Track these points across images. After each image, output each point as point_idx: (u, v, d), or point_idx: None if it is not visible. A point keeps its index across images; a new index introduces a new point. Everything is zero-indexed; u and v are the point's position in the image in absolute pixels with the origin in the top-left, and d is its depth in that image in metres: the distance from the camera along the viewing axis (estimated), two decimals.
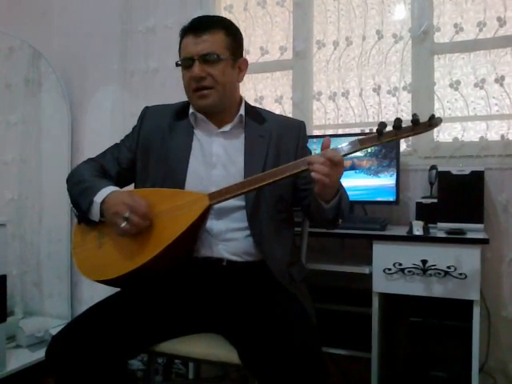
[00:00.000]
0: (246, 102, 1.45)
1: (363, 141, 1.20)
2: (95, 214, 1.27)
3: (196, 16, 1.39)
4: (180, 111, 1.44)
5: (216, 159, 1.37)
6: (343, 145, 1.20)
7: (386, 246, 1.70)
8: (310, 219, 1.52)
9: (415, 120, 1.17)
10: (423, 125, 1.19)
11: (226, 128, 1.39)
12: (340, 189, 1.27)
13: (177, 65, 1.37)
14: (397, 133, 1.19)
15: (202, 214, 1.24)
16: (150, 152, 1.41)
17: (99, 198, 1.26)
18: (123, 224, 1.20)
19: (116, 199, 1.25)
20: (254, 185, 1.23)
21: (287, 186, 1.39)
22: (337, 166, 1.16)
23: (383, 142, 1.20)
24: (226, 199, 1.24)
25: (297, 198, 1.43)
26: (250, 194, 1.31)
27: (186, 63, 1.33)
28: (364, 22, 2.19)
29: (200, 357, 1.27)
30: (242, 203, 1.33)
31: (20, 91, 2.61)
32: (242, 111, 1.41)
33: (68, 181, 1.40)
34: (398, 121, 1.17)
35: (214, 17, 1.42)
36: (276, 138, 1.41)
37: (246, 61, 1.42)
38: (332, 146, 1.20)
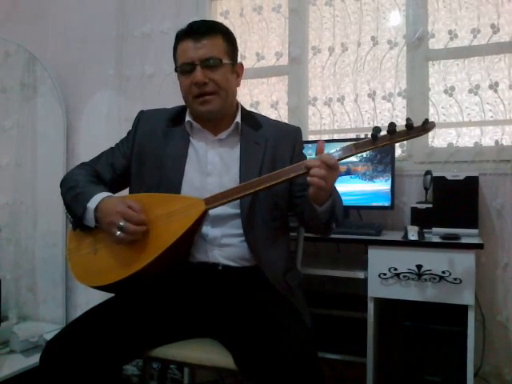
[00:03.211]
0: (242, 108, 1.45)
1: (358, 145, 1.21)
2: (90, 220, 1.27)
3: (192, 21, 1.39)
4: (176, 117, 1.43)
5: (211, 167, 1.37)
6: (338, 149, 1.21)
7: (382, 250, 1.71)
8: (303, 225, 1.51)
9: (409, 124, 1.18)
10: (417, 129, 1.20)
11: (222, 136, 1.39)
12: (333, 192, 1.26)
13: (178, 70, 1.34)
14: (391, 137, 1.19)
15: (198, 218, 1.23)
16: (145, 158, 1.41)
17: (93, 204, 1.26)
18: (118, 233, 1.19)
19: (109, 208, 1.23)
20: (249, 189, 1.22)
21: (283, 193, 1.39)
22: (332, 169, 1.16)
23: (378, 147, 1.21)
24: (223, 204, 1.24)
25: (292, 205, 1.43)
26: (244, 201, 1.31)
27: (185, 68, 1.31)
28: (359, 29, 2.20)
29: (195, 362, 1.26)
30: (237, 211, 1.33)
31: (15, 95, 2.60)
32: (238, 118, 1.40)
33: (61, 185, 1.39)
34: (392, 125, 1.18)
35: (210, 21, 1.41)
36: (272, 145, 1.40)
37: (242, 65, 1.42)
38: (327, 151, 1.20)
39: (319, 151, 1.19)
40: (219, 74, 1.31)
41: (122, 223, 1.19)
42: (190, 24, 1.35)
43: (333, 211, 1.26)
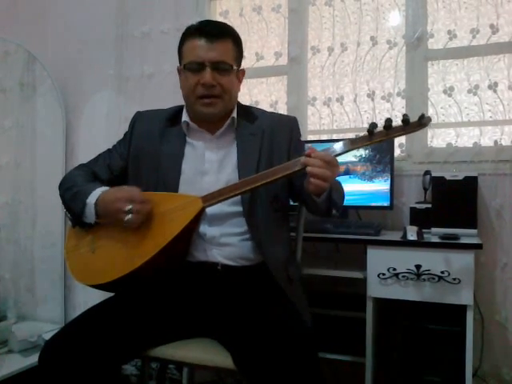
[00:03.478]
0: (238, 104, 1.45)
1: (354, 141, 1.21)
2: (90, 215, 1.27)
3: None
4: (172, 117, 1.44)
5: (208, 166, 1.37)
6: (334, 146, 1.21)
7: (381, 250, 1.71)
8: (308, 211, 1.51)
9: (405, 120, 1.18)
10: (413, 124, 1.20)
11: (219, 133, 1.39)
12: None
13: (184, 67, 1.34)
14: (387, 132, 1.19)
15: (195, 216, 1.24)
16: (142, 159, 1.41)
17: (92, 199, 1.27)
18: (129, 216, 1.20)
19: (110, 197, 1.25)
20: (246, 186, 1.23)
21: (282, 185, 1.39)
22: (331, 165, 1.16)
23: (374, 142, 1.21)
24: (220, 201, 1.24)
25: (295, 194, 1.44)
26: (245, 198, 1.32)
27: (194, 67, 1.31)
28: (359, 29, 2.20)
29: (194, 362, 1.26)
30: (239, 209, 1.33)
31: (15, 95, 2.60)
32: (234, 113, 1.41)
33: (60, 187, 1.40)
34: (388, 121, 1.18)
35: (222, 24, 1.41)
36: (268, 135, 1.41)
37: (244, 71, 1.43)
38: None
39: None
40: (226, 79, 1.32)
41: (130, 206, 1.20)
42: (201, 22, 1.36)
43: (331, 199, 1.26)
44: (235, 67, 1.34)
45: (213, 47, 1.30)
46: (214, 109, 1.33)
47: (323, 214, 1.34)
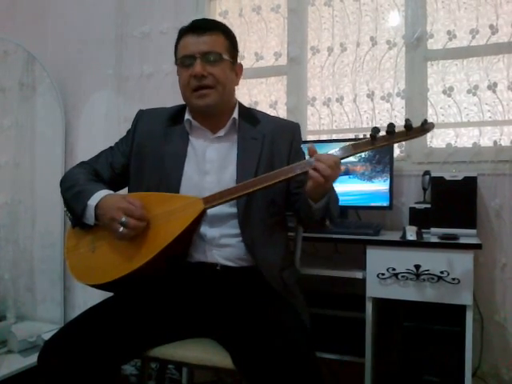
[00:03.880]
0: (240, 104, 1.45)
1: (357, 145, 1.21)
2: (90, 217, 1.27)
3: (195, 19, 1.40)
4: (175, 116, 1.44)
5: (210, 165, 1.37)
6: (336, 150, 1.21)
7: (380, 250, 1.71)
8: (300, 223, 1.51)
9: (408, 125, 1.18)
10: (416, 130, 1.20)
11: (221, 133, 1.39)
12: (330, 190, 1.26)
13: (176, 63, 1.35)
14: (390, 138, 1.20)
15: (196, 218, 1.23)
16: (144, 157, 1.41)
17: (93, 201, 1.26)
18: (121, 229, 1.19)
19: (110, 204, 1.24)
20: (248, 189, 1.23)
21: (280, 190, 1.39)
22: (336, 167, 1.16)
23: (376, 147, 1.21)
24: (221, 203, 1.24)
25: (288, 202, 1.43)
26: (241, 200, 1.31)
27: (185, 61, 1.32)
28: (358, 29, 2.20)
29: (194, 362, 1.26)
30: (234, 210, 1.33)
31: (14, 95, 2.60)
32: (235, 114, 1.40)
33: (61, 184, 1.40)
34: (391, 126, 1.18)
35: (213, 20, 1.42)
36: (270, 140, 1.40)
37: (241, 65, 1.43)
38: (325, 151, 1.20)
39: (312, 154, 1.19)
40: (218, 69, 1.32)
41: (123, 219, 1.19)
42: (192, 21, 1.37)
43: (328, 208, 1.26)
44: (226, 57, 1.34)
45: (202, 40, 1.31)
46: (209, 100, 1.32)
47: (316, 225, 1.34)
